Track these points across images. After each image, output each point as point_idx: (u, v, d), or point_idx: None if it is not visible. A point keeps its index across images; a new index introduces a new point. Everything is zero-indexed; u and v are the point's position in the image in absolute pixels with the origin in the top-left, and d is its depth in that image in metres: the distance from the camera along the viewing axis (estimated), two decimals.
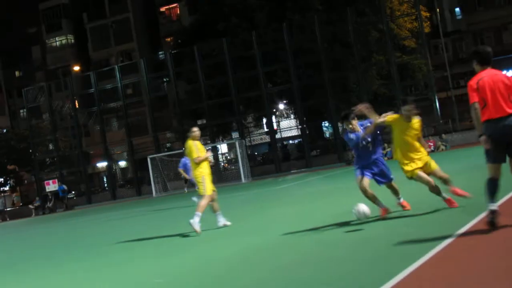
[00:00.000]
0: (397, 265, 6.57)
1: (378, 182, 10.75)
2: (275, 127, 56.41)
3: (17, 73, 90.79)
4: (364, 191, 10.46)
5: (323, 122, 60.25)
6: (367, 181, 10.51)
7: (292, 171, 48.82)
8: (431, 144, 41.28)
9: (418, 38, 52.14)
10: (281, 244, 9.72)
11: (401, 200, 10.89)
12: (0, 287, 9.97)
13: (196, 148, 13.04)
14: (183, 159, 23.64)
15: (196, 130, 13.28)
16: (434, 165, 10.24)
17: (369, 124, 10.48)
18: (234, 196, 27.50)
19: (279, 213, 15.41)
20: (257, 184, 38.22)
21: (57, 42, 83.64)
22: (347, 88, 52.47)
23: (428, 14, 55.84)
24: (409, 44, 53.29)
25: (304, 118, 53.59)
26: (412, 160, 10.09)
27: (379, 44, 51.80)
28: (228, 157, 64.42)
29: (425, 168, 10.14)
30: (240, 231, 12.50)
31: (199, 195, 13.10)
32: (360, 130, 10.55)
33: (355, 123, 10.66)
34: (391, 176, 10.67)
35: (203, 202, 12.70)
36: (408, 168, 10.08)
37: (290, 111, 59.71)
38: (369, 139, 10.48)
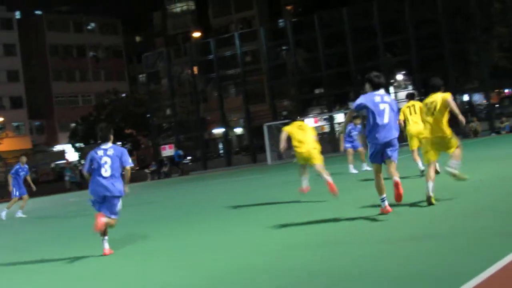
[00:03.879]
0: None
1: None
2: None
3: (137, 39, 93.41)
4: None
5: None
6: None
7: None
8: None
9: None
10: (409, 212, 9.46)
11: None
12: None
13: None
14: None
15: None
16: None
17: None
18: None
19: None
20: None
21: (178, 8, 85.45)
22: (467, 60, 51.38)
23: None
24: None
25: (422, 90, 52.86)
26: None
27: (502, 15, 50.26)
28: None
29: None
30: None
31: None
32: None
33: None
34: None
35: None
36: None
37: (408, 82, 59.03)
38: None
